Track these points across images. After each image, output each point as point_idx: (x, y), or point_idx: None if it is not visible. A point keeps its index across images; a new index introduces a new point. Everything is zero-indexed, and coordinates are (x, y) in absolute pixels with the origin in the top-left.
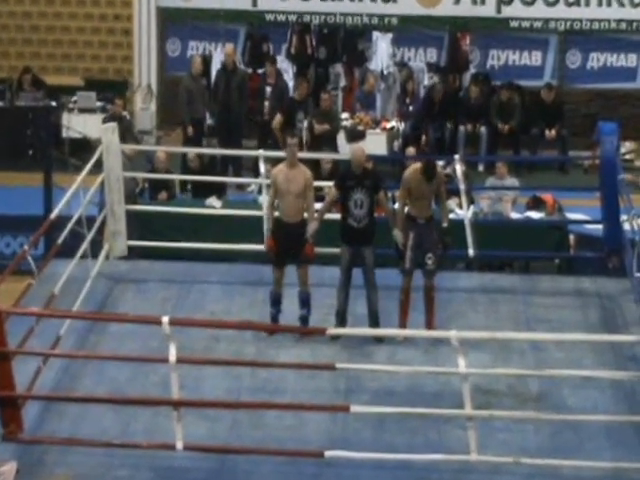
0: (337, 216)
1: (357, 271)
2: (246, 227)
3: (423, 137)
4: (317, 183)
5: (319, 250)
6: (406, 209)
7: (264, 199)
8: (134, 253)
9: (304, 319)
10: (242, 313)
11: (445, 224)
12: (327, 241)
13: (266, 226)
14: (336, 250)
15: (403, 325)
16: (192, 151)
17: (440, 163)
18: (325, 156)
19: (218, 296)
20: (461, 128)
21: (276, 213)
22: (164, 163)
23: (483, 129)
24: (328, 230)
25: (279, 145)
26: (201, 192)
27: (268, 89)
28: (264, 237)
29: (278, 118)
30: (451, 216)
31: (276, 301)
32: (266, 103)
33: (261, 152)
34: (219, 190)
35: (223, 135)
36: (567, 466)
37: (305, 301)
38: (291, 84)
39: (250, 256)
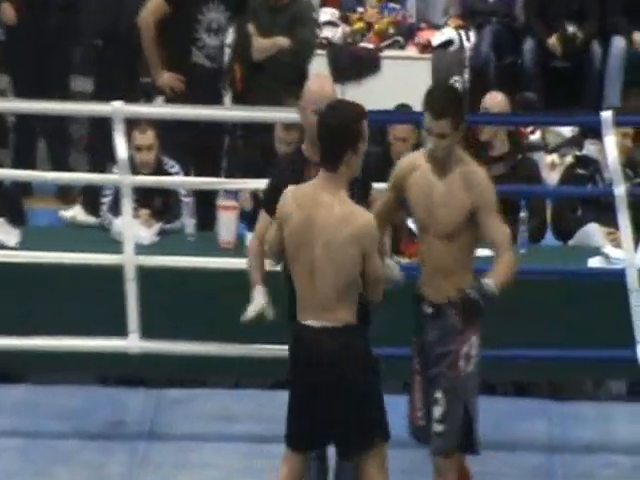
0: None
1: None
2: (84, 290)
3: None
4: (243, 184)
5: None
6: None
7: (120, 223)
8: None
9: None
10: None
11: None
12: None
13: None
14: None
15: None
16: None
17: (563, 130)
18: (279, 115)
19: None
20: (616, 43)
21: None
22: None
23: None
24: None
25: (159, 89)
26: None
27: None
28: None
29: (152, 8)
30: (600, 263)
31: None
32: None
33: (118, 106)
34: (12, 206)
35: (24, 70)
36: None
37: None
38: None
39: (99, 362)
